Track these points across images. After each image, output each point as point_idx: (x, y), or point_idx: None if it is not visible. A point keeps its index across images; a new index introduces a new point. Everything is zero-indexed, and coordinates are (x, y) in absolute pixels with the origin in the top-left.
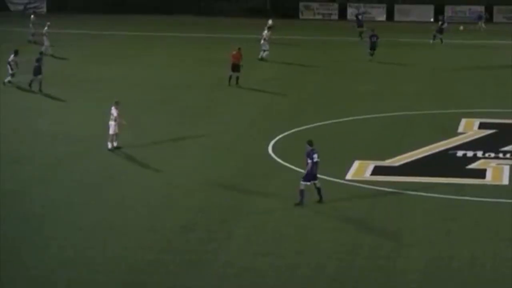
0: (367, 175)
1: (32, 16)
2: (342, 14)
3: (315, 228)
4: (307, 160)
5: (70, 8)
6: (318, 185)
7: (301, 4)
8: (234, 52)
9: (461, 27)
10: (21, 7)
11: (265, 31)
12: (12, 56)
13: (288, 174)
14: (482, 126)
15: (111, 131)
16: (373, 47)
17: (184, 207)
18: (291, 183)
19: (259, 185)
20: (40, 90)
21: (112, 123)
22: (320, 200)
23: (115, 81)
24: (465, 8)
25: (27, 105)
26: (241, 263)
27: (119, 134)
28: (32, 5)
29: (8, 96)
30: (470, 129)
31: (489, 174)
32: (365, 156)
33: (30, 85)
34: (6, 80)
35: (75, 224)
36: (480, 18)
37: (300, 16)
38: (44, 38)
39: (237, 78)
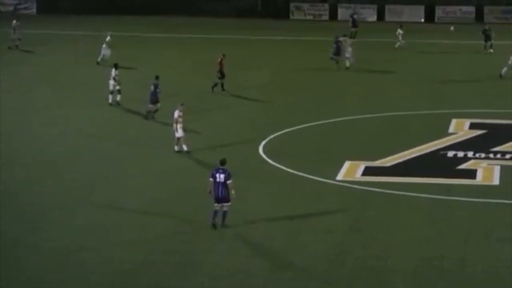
0: (358, 175)
1: (14, 21)
2: (333, 14)
3: (305, 229)
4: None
5: (61, 9)
6: (225, 208)
7: (291, 5)
8: (220, 59)
9: (452, 28)
10: (11, 8)
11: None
12: (113, 70)
13: (278, 174)
14: (472, 126)
15: (177, 135)
16: (337, 53)
17: (174, 208)
18: (281, 184)
19: (249, 186)
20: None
21: (175, 125)
22: (223, 224)
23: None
24: (455, 8)
25: (16, 105)
26: (231, 264)
27: (184, 137)
28: (22, 6)
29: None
30: (460, 129)
31: (479, 175)
32: (356, 156)
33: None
34: (114, 100)
35: (67, 225)
36: None
37: (291, 17)
38: (12, 31)
39: (222, 85)
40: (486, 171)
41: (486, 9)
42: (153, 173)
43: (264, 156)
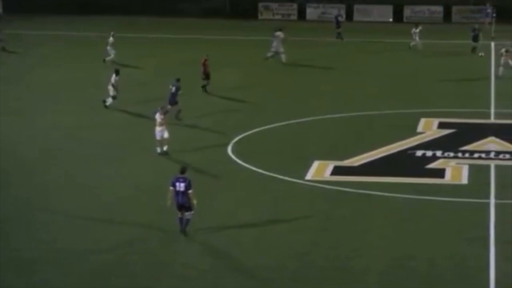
0: (326, 175)
1: None
2: (301, 14)
3: (274, 229)
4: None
5: (28, 8)
6: (187, 216)
7: (260, 5)
8: (203, 60)
9: (420, 27)
10: None
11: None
12: (114, 76)
13: (247, 175)
14: (441, 125)
15: (160, 137)
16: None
17: (145, 208)
18: (250, 184)
19: (219, 186)
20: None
21: (157, 128)
22: (182, 231)
23: (75, 82)
24: (424, 8)
25: None
26: (202, 264)
27: (168, 139)
28: None
29: None
30: (429, 128)
31: (448, 174)
32: (325, 156)
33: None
34: (107, 103)
35: (37, 228)
36: (487, 15)
37: (259, 17)
38: None
39: (205, 86)
40: (455, 171)
41: (454, 8)
42: (122, 174)
43: (233, 156)
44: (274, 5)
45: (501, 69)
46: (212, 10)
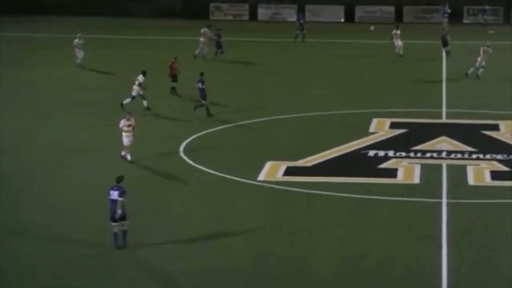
0: (279, 175)
1: None
2: (253, 14)
3: (227, 230)
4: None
5: None
6: (124, 227)
7: (211, 5)
8: (171, 62)
9: (372, 27)
10: None
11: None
12: (141, 76)
13: (199, 176)
14: (393, 125)
15: (125, 143)
16: (219, 45)
17: (96, 210)
18: (202, 186)
19: (171, 187)
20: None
21: (124, 134)
22: (123, 245)
23: (31, 83)
24: (375, 8)
25: None
26: (155, 266)
27: (130, 146)
28: None
29: None
30: (381, 128)
31: (400, 174)
32: (277, 156)
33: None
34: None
35: None
36: (484, 12)
37: (211, 17)
38: None
39: (173, 88)
40: (407, 170)
41: (406, 9)
42: (73, 176)
43: (184, 157)
44: (225, 6)
45: (481, 70)
46: (163, 10)
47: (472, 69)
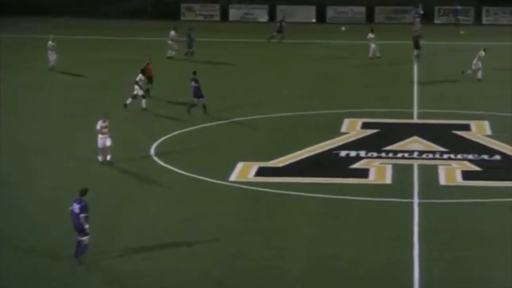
0: (251, 176)
1: None
2: (224, 15)
3: (198, 230)
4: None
5: None
6: (84, 241)
7: (182, 6)
8: (146, 64)
9: (343, 28)
10: None
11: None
12: (140, 75)
13: (170, 176)
14: (364, 126)
15: (101, 145)
16: (190, 46)
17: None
18: (173, 186)
19: (141, 189)
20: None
21: (99, 136)
22: (76, 256)
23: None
24: (347, 8)
25: None
26: (124, 268)
27: (110, 147)
28: None
29: None
30: (353, 129)
31: (372, 174)
32: (249, 157)
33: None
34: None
35: None
36: (456, 12)
37: (182, 18)
38: None
39: (148, 90)
40: (378, 170)
41: (377, 9)
42: (44, 177)
43: (155, 158)
44: (196, 6)
45: (480, 72)
46: (134, 11)
47: (469, 71)
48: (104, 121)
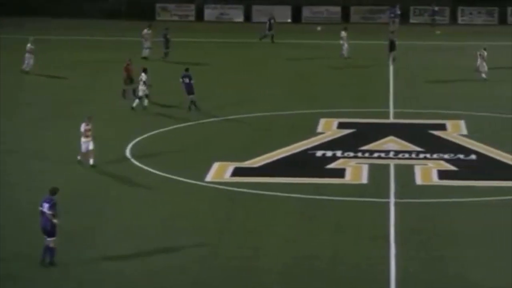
0: (227, 176)
1: None
2: (200, 15)
3: (174, 231)
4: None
5: None
6: (50, 244)
7: (157, 6)
8: (126, 64)
9: (319, 28)
10: None
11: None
12: (143, 74)
13: (145, 177)
14: (341, 126)
15: (85, 149)
16: (167, 46)
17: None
18: (149, 187)
19: (117, 190)
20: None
21: (83, 139)
22: (50, 262)
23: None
24: (322, 8)
25: None
26: (105, 267)
27: (93, 151)
28: None
29: None
30: (329, 129)
31: (348, 174)
32: (225, 157)
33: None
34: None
35: None
36: (433, 12)
37: (157, 18)
38: None
39: (134, 90)
40: (355, 170)
41: (353, 9)
42: (17, 183)
43: (131, 158)
44: (171, 6)
45: (483, 74)
46: (109, 11)
47: (483, 75)
48: (87, 124)
